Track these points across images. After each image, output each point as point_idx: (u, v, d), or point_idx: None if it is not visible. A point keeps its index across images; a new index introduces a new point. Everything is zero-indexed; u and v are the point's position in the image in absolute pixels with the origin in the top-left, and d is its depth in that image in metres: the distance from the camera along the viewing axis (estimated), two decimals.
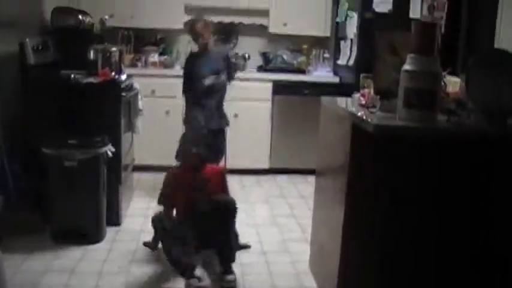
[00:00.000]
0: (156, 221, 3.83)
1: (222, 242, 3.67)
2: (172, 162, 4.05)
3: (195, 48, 5.16)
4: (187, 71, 5.10)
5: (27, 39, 4.43)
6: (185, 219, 3.69)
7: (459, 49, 5.67)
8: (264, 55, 6.60)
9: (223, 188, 3.87)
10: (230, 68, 5.12)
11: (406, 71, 2.72)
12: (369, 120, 2.75)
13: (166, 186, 3.82)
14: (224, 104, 5.16)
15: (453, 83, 3.19)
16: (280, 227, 4.68)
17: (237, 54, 6.45)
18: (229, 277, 3.61)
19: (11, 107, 4.37)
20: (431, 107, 2.74)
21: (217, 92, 5.02)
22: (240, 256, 4.00)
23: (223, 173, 4.01)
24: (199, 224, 3.61)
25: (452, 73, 3.39)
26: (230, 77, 5.12)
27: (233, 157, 5.83)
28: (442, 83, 2.90)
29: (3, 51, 4.35)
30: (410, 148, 2.83)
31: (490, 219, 2.96)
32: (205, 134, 4.24)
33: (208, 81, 4.92)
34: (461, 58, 5.53)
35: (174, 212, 3.80)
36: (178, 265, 3.70)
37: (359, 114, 2.90)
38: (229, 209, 3.73)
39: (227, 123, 5.19)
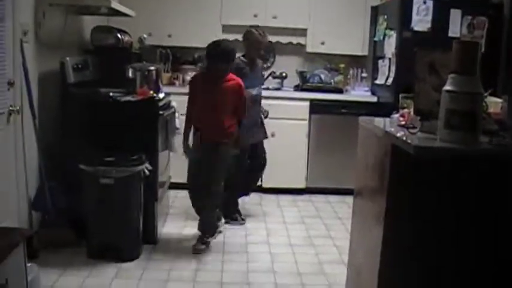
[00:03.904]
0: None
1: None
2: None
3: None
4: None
5: (67, 58, 4.50)
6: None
7: (500, 69, 5.57)
8: (301, 74, 6.59)
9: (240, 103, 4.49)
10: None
11: (447, 91, 2.66)
12: (409, 141, 2.70)
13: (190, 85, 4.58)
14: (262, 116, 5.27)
15: (494, 104, 3.12)
16: (316, 248, 4.62)
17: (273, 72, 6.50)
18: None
19: (51, 124, 4.44)
20: (473, 128, 2.67)
21: (260, 102, 5.11)
22: (276, 276, 3.97)
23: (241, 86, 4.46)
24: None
25: (493, 94, 3.32)
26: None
27: (269, 176, 5.80)
28: (484, 104, 2.83)
29: (45, 70, 4.43)
30: (452, 170, 2.77)
31: None
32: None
33: (255, 91, 4.98)
34: (502, 78, 5.43)
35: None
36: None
37: (399, 135, 2.85)
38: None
39: (266, 136, 5.28)
